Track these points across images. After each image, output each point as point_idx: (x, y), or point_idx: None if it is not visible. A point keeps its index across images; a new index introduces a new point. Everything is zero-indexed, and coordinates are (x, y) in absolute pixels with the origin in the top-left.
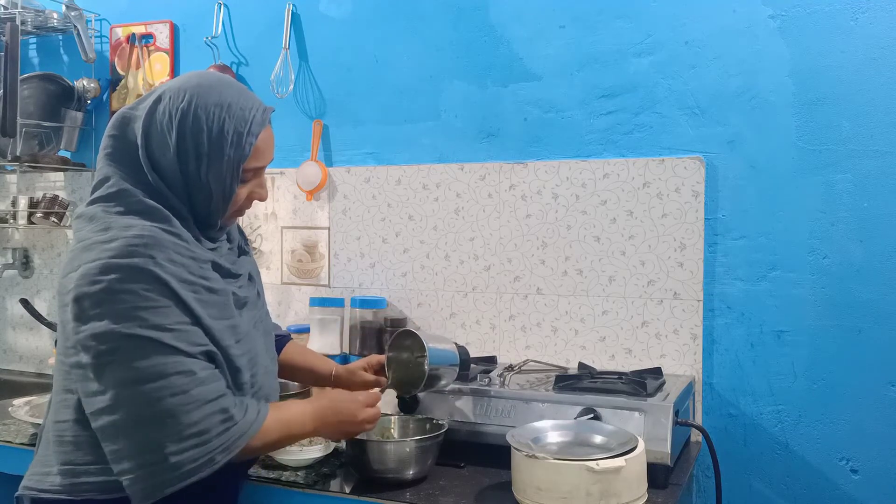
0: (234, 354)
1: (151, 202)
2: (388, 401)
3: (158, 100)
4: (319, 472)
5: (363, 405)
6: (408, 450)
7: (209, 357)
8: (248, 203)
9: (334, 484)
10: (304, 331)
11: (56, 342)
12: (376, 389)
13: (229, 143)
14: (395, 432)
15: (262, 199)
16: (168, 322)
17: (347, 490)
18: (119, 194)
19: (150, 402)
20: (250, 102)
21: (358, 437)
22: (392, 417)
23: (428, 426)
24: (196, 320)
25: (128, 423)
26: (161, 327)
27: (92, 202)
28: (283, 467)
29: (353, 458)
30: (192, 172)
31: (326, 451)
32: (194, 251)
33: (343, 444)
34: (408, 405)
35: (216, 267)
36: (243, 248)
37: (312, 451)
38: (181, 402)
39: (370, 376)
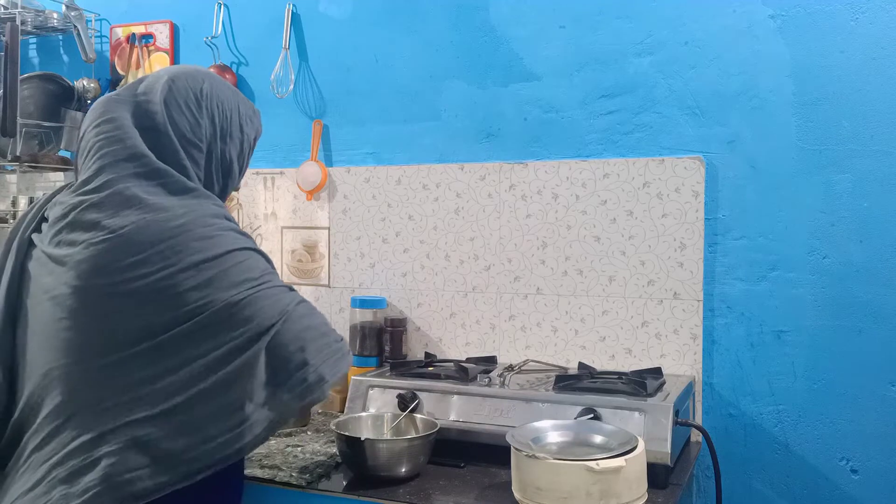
0: None
1: (192, 182)
2: (388, 400)
3: (172, 82)
4: (314, 472)
5: None
6: (399, 448)
7: None
8: None
9: (328, 483)
10: None
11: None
12: None
13: (248, 122)
14: (388, 430)
15: (237, 188)
16: None
17: (341, 489)
18: (157, 172)
19: None
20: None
21: (353, 435)
22: (386, 415)
23: (421, 425)
24: None
25: None
26: None
27: (119, 180)
28: (278, 467)
29: (347, 457)
30: (219, 151)
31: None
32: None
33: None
34: (406, 403)
35: None
36: None
37: None
38: None
39: None
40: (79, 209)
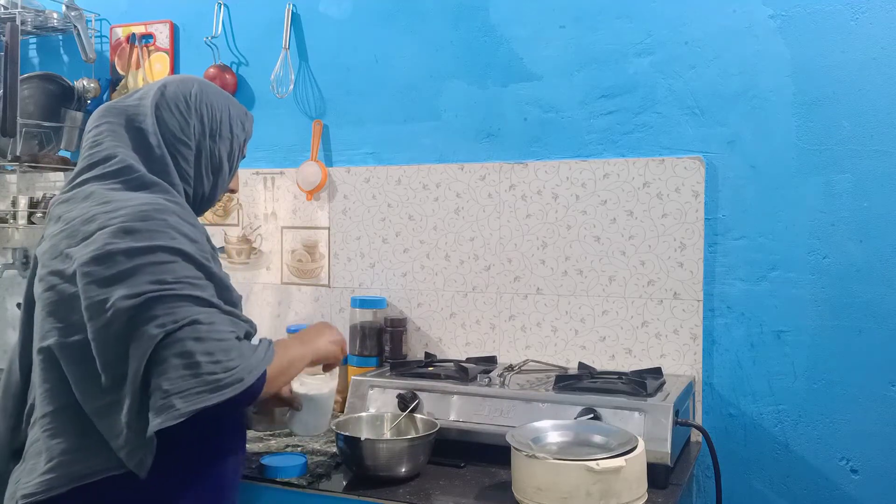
0: None
1: (153, 177)
2: (388, 400)
3: (164, 87)
4: (314, 472)
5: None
6: (399, 448)
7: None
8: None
9: (328, 483)
10: None
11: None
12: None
13: (238, 124)
14: (388, 430)
15: (235, 190)
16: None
17: (341, 489)
18: (121, 171)
19: None
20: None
21: (352, 435)
22: (386, 415)
23: (421, 425)
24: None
25: None
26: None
27: (88, 181)
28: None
29: (347, 457)
30: (208, 149)
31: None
32: (195, 222)
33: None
34: (406, 403)
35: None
36: None
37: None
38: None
39: None
40: (53, 206)
